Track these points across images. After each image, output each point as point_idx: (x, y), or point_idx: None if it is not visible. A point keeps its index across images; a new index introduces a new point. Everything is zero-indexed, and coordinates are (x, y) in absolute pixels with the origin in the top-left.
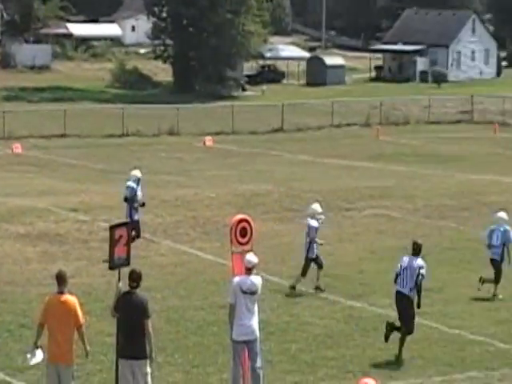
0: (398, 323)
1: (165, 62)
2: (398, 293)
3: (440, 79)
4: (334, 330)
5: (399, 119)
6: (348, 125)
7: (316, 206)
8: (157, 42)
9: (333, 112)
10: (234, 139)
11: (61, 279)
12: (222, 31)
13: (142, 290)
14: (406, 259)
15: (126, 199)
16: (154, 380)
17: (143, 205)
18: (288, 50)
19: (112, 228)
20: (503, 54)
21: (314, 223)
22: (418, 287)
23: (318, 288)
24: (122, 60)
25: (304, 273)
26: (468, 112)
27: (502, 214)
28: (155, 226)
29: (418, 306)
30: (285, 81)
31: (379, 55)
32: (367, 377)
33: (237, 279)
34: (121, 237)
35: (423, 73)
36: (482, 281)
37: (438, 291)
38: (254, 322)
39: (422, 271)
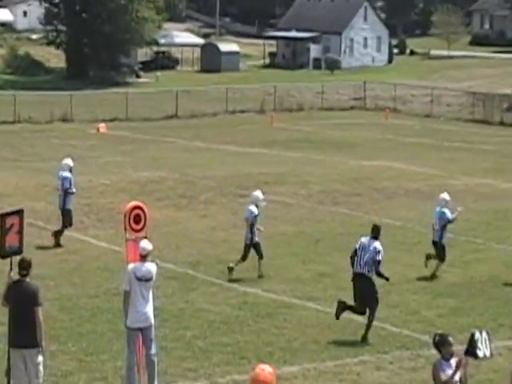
0: (350, 302)
1: (58, 47)
2: (357, 274)
3: (333, 66)
4: (228, 316)
5: (293, 106)
6: (242, 111)
7: (258, 193)
8: (49, 27)
9: (227, 98)
10: (128, 126)
11: None
12: (116, 17)
13: (36, 277)
14: (363, 240)
15: (66, 191)
16: (46, 369)
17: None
18: (182, 37)
19: (3, 216)
20: (394, 42)
21: (254, 210)
22: (377, 273)
23: (260, 276)
24: (13, 46)
25: (244, 258)
26: (360, 98)
27: (445, 195)
28: (48, 213)
29: (387, 279)
30: (179, 67)
31: (273, 42)
32: (262, 363)
33: (131, 266)
34: (12, 225)
35: (316, 60)
36: (427, 257)
37: (331, 276)
38: (149, 309)
39: (378, 257)
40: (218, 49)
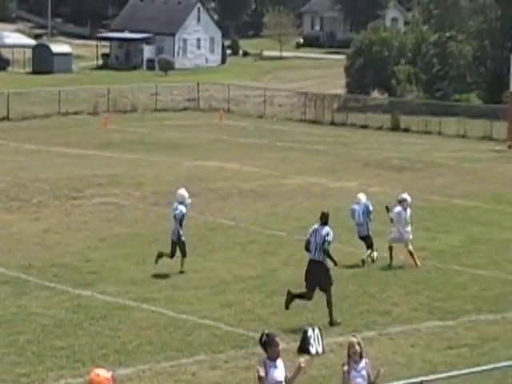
0: (299, 291)
1: None
2: (312, 261)
3: (167, 67)
4: (62, 319)
5: (127, 107)
6: (75, 113)
7: (183, 192)
8: None
9: (60, 100)
10: None
11: None
12: None
13: None
14: (315, 227)
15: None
16: None
17: None
18: (13, 38)
19: None
20: (228, 43)
21: (183, 208)
22: (325, 252)
23: (181, 272)
24: None
25: (173, 254)
26: (194, 99)
27: (361, 195)
28: None
29: (335, 264)
30: (10, 69)
31: (106, 43)
32: (97, 365)
33: None
34: None
35: (150, 61)
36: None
37: (166, 277)
38: None
39: (328, 238)
40: (49, 50)
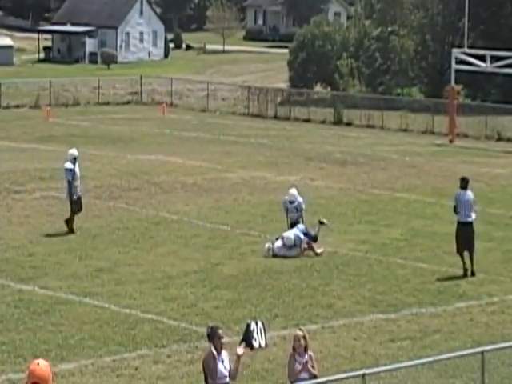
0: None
1: None
2: (465, 223)
3: (109, 60)
4: (3, 314)
5: (69, 101)
6: (17, 106)
7: (73, 151)
8: None
9: (1, 93)
10: None
11: None
12: None
13: None
14: (459, 192)
15: (69, 183)
16: None
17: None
18: None
19: None
20: (170, 36)
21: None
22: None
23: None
24: None
25: None
26: (137, 93)
27: (293, 191)
28: None
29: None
30: None
31: (48, 36)
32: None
33: None
34: None
35: (93, 54)
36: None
37: (109, 271)
38: None
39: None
40: None
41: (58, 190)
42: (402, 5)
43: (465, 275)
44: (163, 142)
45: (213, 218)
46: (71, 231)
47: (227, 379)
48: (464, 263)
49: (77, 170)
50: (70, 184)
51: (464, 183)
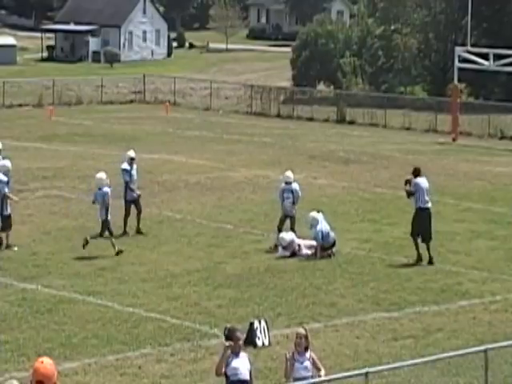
0: None
1: None
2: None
3: (112, 59)
4: (7, 313)
5: (72, 99)
6: (20, 105)
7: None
8: None
9: (4, 92)
10: None
11: None
12: None
13: None
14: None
15: (126, 183)
16: None
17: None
18: None
19: None
20: (173, 35)
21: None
22: None
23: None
24: None
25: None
26: (140, 92)
27: (289, 173)
28: None
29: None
30: None
31: (51, 35)
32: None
33: None
34: None
35: (96, 53)
36: None
37: (112, 270)
38: None
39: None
40: None
41: (61, 188)
42: (404, 3)
43: (418, 260)
44: (166, 141)
45: (216, 217)
46: (138, 231)
47: (247, 377)
48: (417, 249)
49: (134, 171)
50: (127, 185)
51: (417, 171)
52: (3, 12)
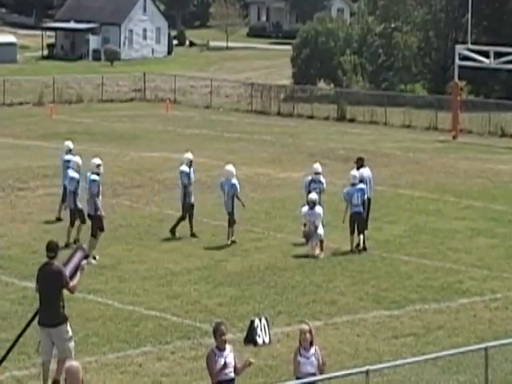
0: None
1: None
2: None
3: (113, 57)
4: (8, 311)
5: (72, 98)
6: (20, 103)
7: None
8: None
9: (5, 90)
10: None
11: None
12: None
13: None
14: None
15: (185, 187)
16: None
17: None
18: None
19: None
20: (174, 33)
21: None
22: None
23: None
24: None
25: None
26: (140, 90)
27: (318, 165)
28: None
29: None
30: None
31: (52, 33)
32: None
33: None
34: None
35: (96, 51)
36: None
37: (112, 268)
38: None
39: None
40: None
41: (61, 187)
42: (405, 1)
43: (353, 250)
44: (166, 139)
45: (216, 215)
46: (192, 235)
47: (232, 374)
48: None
49: (192, 174)
50: (186, 188)
51: (361, 162)
52: (3, 10)
